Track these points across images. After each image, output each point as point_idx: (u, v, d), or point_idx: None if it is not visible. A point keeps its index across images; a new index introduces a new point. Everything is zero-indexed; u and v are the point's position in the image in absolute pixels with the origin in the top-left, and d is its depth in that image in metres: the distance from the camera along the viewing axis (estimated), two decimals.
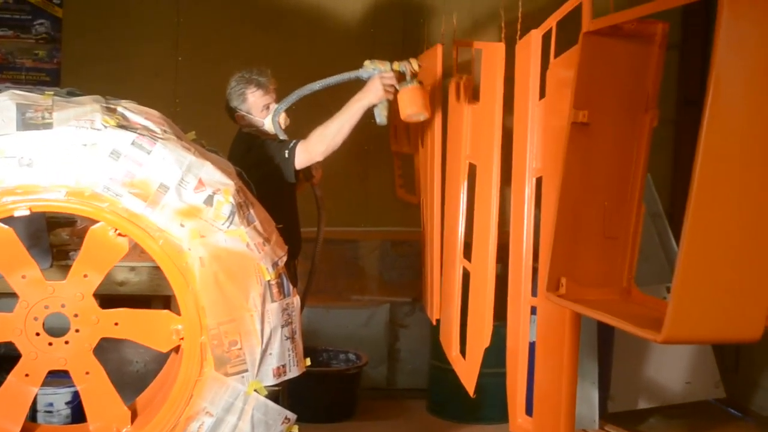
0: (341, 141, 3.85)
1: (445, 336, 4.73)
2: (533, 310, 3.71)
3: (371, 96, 3.79)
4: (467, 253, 4.29)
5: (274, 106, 4.07)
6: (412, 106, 3.83)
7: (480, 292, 4.07)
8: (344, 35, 5.98)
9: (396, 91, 3.82)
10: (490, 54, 3.98)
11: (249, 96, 4.07)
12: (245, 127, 4.16)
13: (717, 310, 2.40)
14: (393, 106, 3.87)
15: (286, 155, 3.84)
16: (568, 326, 3.37)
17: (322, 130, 3.84)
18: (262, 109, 4.09)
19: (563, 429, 3.45)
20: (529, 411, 3.78)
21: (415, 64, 3.83)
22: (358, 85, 3.98)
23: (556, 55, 3.46)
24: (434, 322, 4.99)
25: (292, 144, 3.87)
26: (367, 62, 3.85)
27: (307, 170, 4.10)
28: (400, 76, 3.82)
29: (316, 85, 3.96)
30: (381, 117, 3.84)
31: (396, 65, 3.82)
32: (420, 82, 3.86)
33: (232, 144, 4.19)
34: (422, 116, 3.91)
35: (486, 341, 4.00)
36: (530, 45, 3.63)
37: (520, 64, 3.76)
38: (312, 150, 3.83)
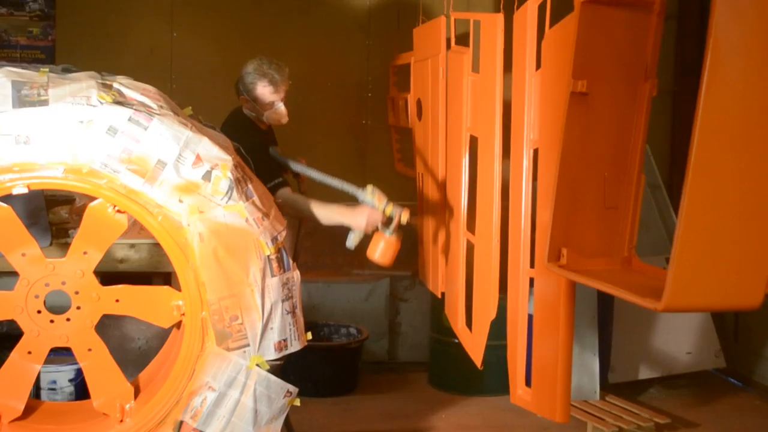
0: (310, 221, 3.98)
1: (450, 308, 4.75)
2: (532, 282, 3.72)
3: (354, 222, 3.87)
4: (470, 225, 4.29)
5: (280, 105, 4.13)
6: (378, 255, 3.95)
7: (485, 264, 4.07)
8: (339, 10, 5.95)
9: (375, 230, 3.91)
10: (489, 25, 3.96)
11: (259, 87, 4.10)
12: (246, 109, 4.18)
13: (717, 278, 2.40)
14: (367, 237, 3.94)
15: (269, 185, 3.71)
16: (563, 297, 3.38)
17: (307, 205, 3.92)
18: (266, 104, 4.13)
19: (559, 399, 3.48)
20: (528, 382, 3.80)
21: (405, 217, 3.86)
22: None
23: (551, 25, 3.44)
24: (440, 295, 5.00)
25: (277, 182, 3.90)
26: (369, 188, 3.88)
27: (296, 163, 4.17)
28: (387, 219, 3.90)
29: (318, 175, 4.00)
30: (351, 242, 3.92)
31: (389, 209, 3.85)
32: (399, 236, 3.93)
33: (230, 119, 4.20)
34: (383, 265, 4.02)
35: (492, 313, 4.01)
36: (526, 15, 3.61)
37: (517, 35, 3.74)
38: (284, 205, 3.78)
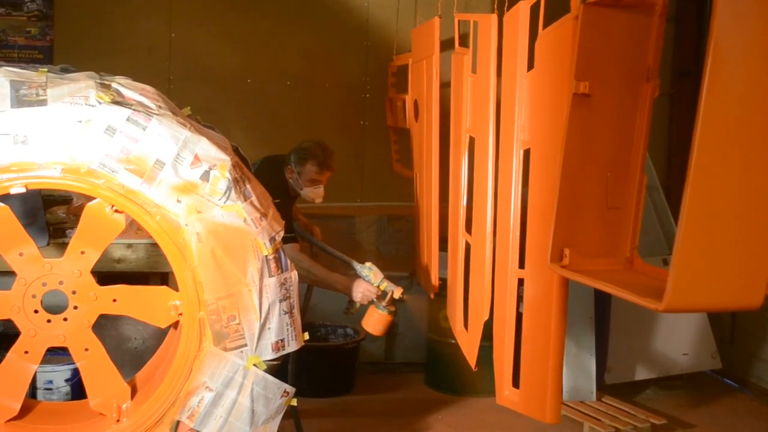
0: (309, 284, 4.43)
1: (450, 309, 4.75)
2: (520, 283, 3.72)
3: (349, 293, 4.29)
4: (469, 226, 4.30)
5: (320, 187, 4.57)
6: (371, 327, 4.29)
7: (479, 264, 4.08)
8: (338, 12, 5.95)
9: (371, 302, 4.27)
10: (484, 26, 3.97)
11: (308, 165, 4.53)
12: (288, 175, 4.59)
13: (717, 278, 2.40)
14: (363, 307, 4.32)
15: None
16: (556, 298, 3.38)
17: (308, 266, 4.30)
18: (308, 180, 4.54)
19: (550, 399, 3.48)
20: (516, 383, 3.79)
21: (398, 293, 4.23)
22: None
23: (545, 26, 3.44)
24: (432, 296, 5.01)
25: (287, 236, 4.02)
26: (368, 264, 4.27)
27: (309, 231, 4.70)
28: (382, 293, 4.26)
29: (325, 246, 4.54)
30: (348, 311, 4.36)
31: (383, 285, 4.23)
32: (391, 312, 4.28)
33: (271, 162, 4.62)
34: (376, 335, 4.39)
35: (486, 314, 4.02)
36: (518, 16, 3.61)
37: (507, 35, 3.75)
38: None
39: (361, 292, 4.24)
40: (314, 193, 4.55)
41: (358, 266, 4.28)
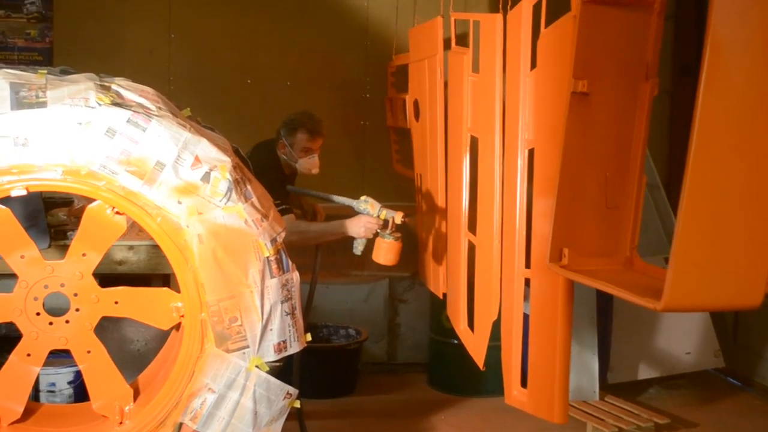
0: (311, 245, 4.35)
1: (452, 309, 4.74)
2: (527, 282, 3.71)
3: (353, 231, 4.28)
4: (472, 226, 4.29)
5: (314, 156, 4.61)
6: (382, 257, 4.29)
7: (486, 265, 4.07)
8: (338, 12, 5.95)
9: (376, 234, 4.27)
10: (488, 25, 3.96)
11: (298, 134, 4.58)
12: (281, 152, 4.62)
13: (716, 278, 2.40)
14: (370, 242, 4.31)
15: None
16: (561, 297, 3.37)
17: (306, 227, 4.36)
18: (301, 151, 4.58)
19: (557, 400, 3.47)
20: (524, 383, 3.79)
21: (398, 218, 4.21)
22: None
23: (547, 24, 3.44)
24: (441, 296, 5.00)
25: (281, 209, 4.18)
26: (362, 198, 4.26)
27: (312, 214, 4.75)
28: (384, 223, 4.24)
29: (317, 194, 4.43)
30: (358, 250, 4.32)
31: (383, 214, 4.22)
32: (397, 238, 4.27)
33: (260, 146, 4.65)
34: (389, 265, 4.36)
35: (494, 314, 4.01)
36: (521, 15, 3.61)
37: (511, 34, 3.74)
38: (288, 233, 4.04)
39: (362, 226, 4.23)
40: (310, 163, 4.56)
41: (354, 202, 4.26)
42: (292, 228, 4.14)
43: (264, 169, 4.29)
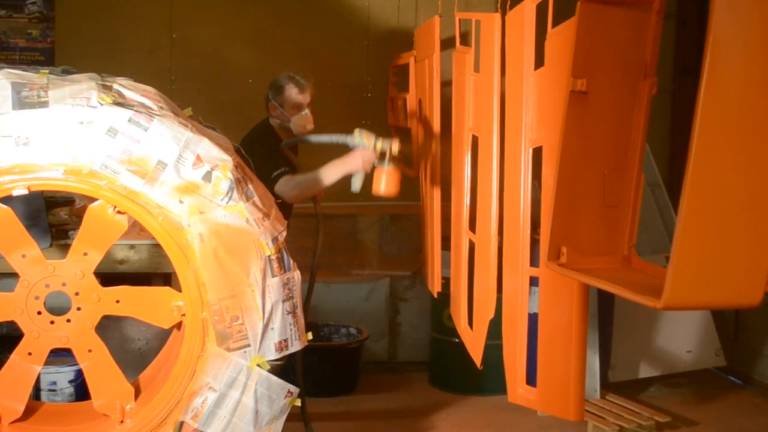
0: (314, 194, 4.29)
1: (454, 308, 4.75)
2: (532, 281, 3.71)
3: (351, 166, 4.14)
4: (473, 225, 4.30)
5: (305, 110, 4.45)
6: (382, 187, 4.19)
7: (484, 263, 4.08)
8: (339, 11, 5.95)
9: (374, 167, 4.16)
10: (487, 25, 3.96)
11: (286, 90, 4.44)
12: (273, 118, 4.50)
13: (716, 276, 2.40)
14: (368, 176, 4.20)
15: (272, 175, 4.17)
16: (576, 296, 3.37)
17: (303, 177, 4.22)
18: (293, 107, 4.44)
19: (573, 398, 3.47)
20: (530, 381, 3.79)
21: (395, 147, 4.12)
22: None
23: (554, 24, 3.44)
24: (435, 295, 5.01)
25: (281, 171, 4.20)
26: (356, 131, 4.15)
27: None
28: (381, 154, 4.15)
29: (311, 138, 4.34)
30: (356, 186, 4.20)
31: (379, 144, 4.12)
32: (396, 165, 4.17)
33: (255, 127, 4.54)
34: (390, 196, 4.26)
35: (491, 313, 4.01)
36: (523, 15, 3.61)
37: (511, 34, 3.75)
38: (287, 191, 4.17)
39: (360, 159, 4.12)
40: (303, 120, 4.44)
41: (348, 138, 4.17)
42: (290, 184, 4.14)
43: (260, 138, 4.40)
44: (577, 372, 3.45)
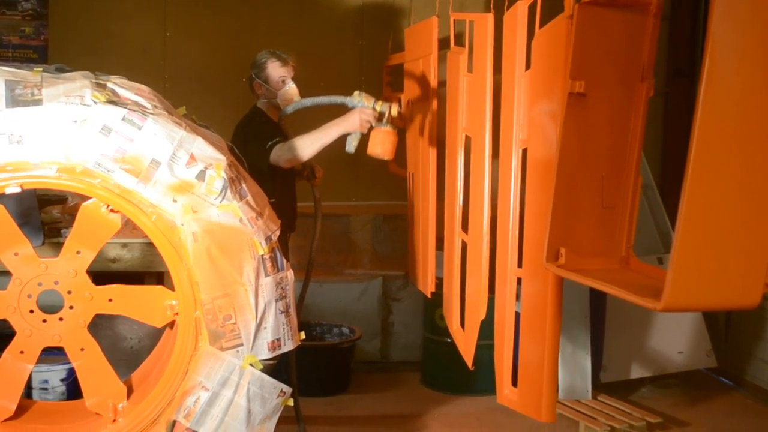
0: (311, 155, 4.19)
1: (447, 309, 4.76)
2: (519, 282, 3.72)
3: (348, 125, 4.11)
4: (466, 225, 4.30)
5: (290, 83, 4.43)
6: (379, 147, 4.15)
7: (475, 264, 4.08)
8: (332, 11, 5.95)
9: (371, 128, 4.13)
10: (480, 25, 3.97)
11: (268, 65, 4.44)
12: (261, 97, 4.49)
13: (716, 277, 2.41)
14: (364, 138, 4.16)
15: (267, 146, 4.16)
16: (551, 297, 3.38)
17: (298, 141, 4.15)
18: (277, 81, 4.43)
19: (545, 398, 3.48)
20: (515, 382, 3.80)
21: (395, 109, 4.11)
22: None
23: (542, 25, 3.45)
24: (429, 295, 5.01)
25: (274, 141, 4.18)
26: (356, 93, 4.15)
27: (311, 171, 4.48)
28: (379, 116, 4.14)
29: (308, 102, 4.31)
30: (351, 146, 4.16)
31: (378, 105, 4.11)
32: (394, 127, 4.15)
33: (244, 115, 4.51)
34: (385, 158, 4.24)
35: (482, 313, 4.02)
36: (517, 15, 3.62)
37: (506, 35, 3.76)
38: (281, 155, 4.15)
39: (358, 118, 4.09)
40: (290, 92, 4.42)
41: (347, 99, 4.17)
42: (285, 149, 4.12)
43: (251, 121, 4.41)
44: (550, 373, 3.46)
